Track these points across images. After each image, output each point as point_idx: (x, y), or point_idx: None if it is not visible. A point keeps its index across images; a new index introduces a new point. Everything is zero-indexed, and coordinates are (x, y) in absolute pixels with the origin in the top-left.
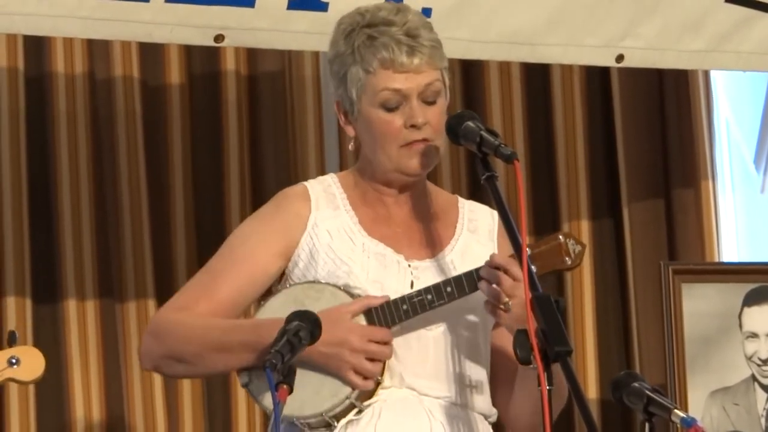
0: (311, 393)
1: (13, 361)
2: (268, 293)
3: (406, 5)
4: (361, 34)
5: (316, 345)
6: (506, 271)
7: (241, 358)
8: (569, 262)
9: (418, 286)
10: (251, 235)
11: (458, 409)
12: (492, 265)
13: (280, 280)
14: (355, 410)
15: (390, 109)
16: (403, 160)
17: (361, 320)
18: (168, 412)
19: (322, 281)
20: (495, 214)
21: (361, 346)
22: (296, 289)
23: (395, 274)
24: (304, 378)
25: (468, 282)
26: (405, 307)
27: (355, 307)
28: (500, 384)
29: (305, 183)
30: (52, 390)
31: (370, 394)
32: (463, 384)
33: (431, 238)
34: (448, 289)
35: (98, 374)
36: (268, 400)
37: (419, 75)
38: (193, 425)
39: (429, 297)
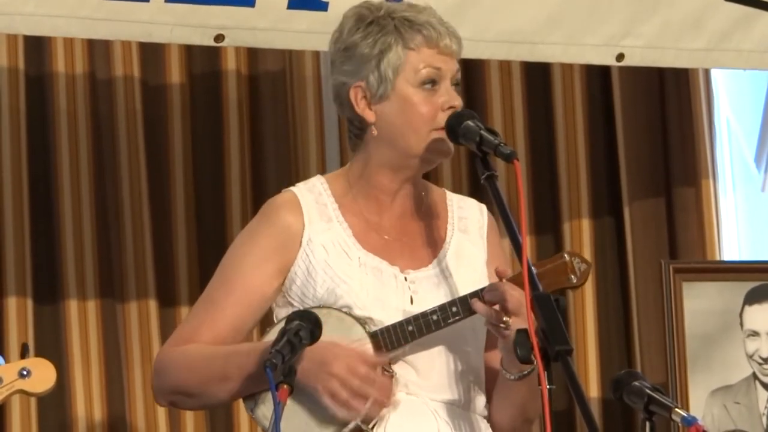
0: (317, 417)
1: (24, 372)
2: (270, 314)
3: (416, 2)
4: (394, 18)
5: (304, 360)
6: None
7: (242, 385)
8: (575, 281)
9: (417, 301)
10: (245, 258)
11: (461, 411)
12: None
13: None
14: None
15: (427, 91)
16: (435, 144)
17: (367, 342)
18: (169, 411)
19: (327, 305)
20: (483, 208)
21: (341, 373)
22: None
23: (394, 290)
24: (311, 401)
25: (472, 298)
26: (411, 328)
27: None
28: (491, 391)
29: (294, 190)
30: (53, 390)
31: (373, 415)
32: (464, 388)
33: (424, 244)
34: (453, 309)
35: (99, 374)
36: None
37: (453, 60)
38: (195, 425)
39: (434, 318)
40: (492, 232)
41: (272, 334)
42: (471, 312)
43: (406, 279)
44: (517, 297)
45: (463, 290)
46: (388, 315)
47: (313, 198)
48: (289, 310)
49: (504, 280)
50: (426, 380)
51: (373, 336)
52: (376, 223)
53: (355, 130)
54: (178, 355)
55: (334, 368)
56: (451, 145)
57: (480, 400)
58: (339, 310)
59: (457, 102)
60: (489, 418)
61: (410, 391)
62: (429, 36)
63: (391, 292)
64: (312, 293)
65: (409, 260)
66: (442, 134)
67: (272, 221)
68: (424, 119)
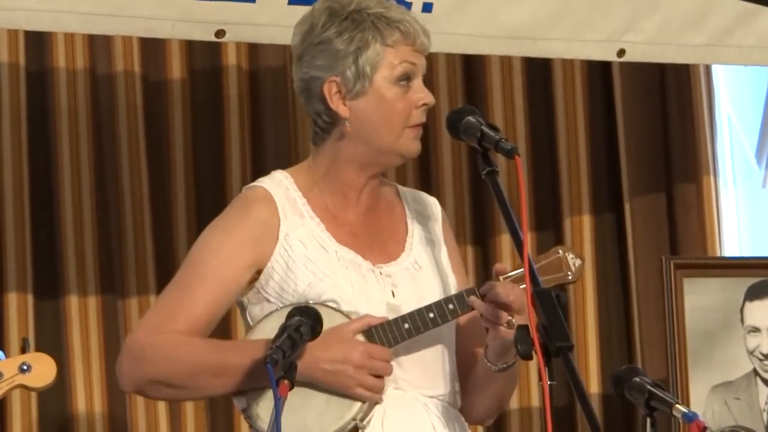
0: (315, 416)
1: (25, 367)
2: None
3: None
4: (369, 14)
5: (318, 363)
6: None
7: (238, 381)
8: (570, 277)
9: (398, 294)
10: (220, 247)
11: (447, 406)
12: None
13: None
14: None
15: (402, 86)
16: (407, 141)
17: (361, 339)
18: (170, 407)
19: (316, 302)
20: (435, 201)
21: (363, 362)
22: (287, 311)
23: (375, 284)
24: (307, 401)
25: (469, 296)
26: (407, 326)
27: (357, 326)
28: (466, 381)
29: (263, 185)
30: (53, 386)
31: (369, 412)
32: (448, 382)
33: (389, 238)
34: (450, 306)
35: (100, 370)
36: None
37: (423, 56)
38: (195, 421)
39: (431, 315)
40: (446, 225)
41: (257, 334)
42: (468, 309)
43: (381, 273)
44: (519, 296)
45: (435, 283)
46: (373, 308)
47: (283, 193)
48: (264, 307)
49: (501, 278)
50: (413, 376)
51: (368, 334)
52: (343, 219)
53: (323, 125)
54: (162, 345)
55: (357, 359)
56: (417, 145)
57: (458, 395)
58: (328, 306)
59: (430, 99)
60: (463, 409)
61: (399, 386)
62: (407, 32)
63: (373, 286)
64: (292, 288)
65: (378, 255)
66: (415, 132)
67: (247, 213)
68: (400, 116)
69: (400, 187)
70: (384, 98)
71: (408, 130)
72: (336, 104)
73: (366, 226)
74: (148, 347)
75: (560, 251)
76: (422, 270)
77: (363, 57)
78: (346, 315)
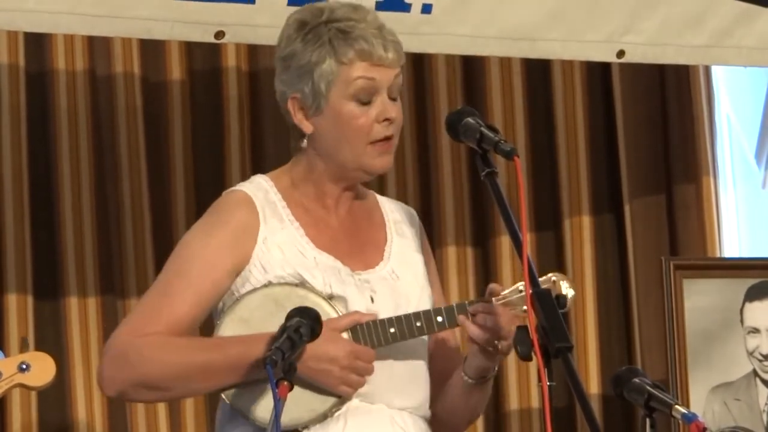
0: (289, 404)
1: (24, 366)
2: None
3: (360, 4)
4: (330, 28)
5: (305, 361)
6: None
7: (225, 381)
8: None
9: (377, 300)
10: (202, 251)
11: (415, 418)
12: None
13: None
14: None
15: (362, 103)
16: (368, 158)
17: (345, 336)
18: (170, 408)
19: (306, 287)
20: (413, 212)
21: (349, 362)
22: (276, 289)
23: (354, 287)
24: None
25: (459, 313)
26: (393, 330)
27: (345, 323)
28: (437, 399)
29: (244, 189)
30: (53, 387)
31: (341, 404)
32: (417, 395)
33: (369, 246)
34: (439, 319)
35: None
36: (259, 411)
37: (390, 69)
38: (196, 422)
39: (418, 324)
40: (423, 236)
41: (239, 308)
42: (456, 325)
43: (359, 279)
44: (510, 322)
45: (411, 293)
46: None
47: (263, 196)
48: None
49: (494, 300)
50: (381, 388)
51: (353, 331)
52: (323, 224)
53: (297, 137)
54: (144, 347)
55: (343, 361)
56: (381, 161)
57: (426, 407)
58: (317, 294)
59: (393, 113)
60: (433, 423)
61: (366, 398)
62: (361, 50)
63: (352, 289)
64: None
65: (358, 261)
66: (379, 148)
67: (228, 217)
68: (358, 133)
69: (379, 197)
70: (341, 115)
71: (370, 147)
72: (299, 120)
73: (345, 233)
74: (130, 349)
75: (554, 278)
76: (400, 280)
77: (317, 74)
78: (335, 309)
